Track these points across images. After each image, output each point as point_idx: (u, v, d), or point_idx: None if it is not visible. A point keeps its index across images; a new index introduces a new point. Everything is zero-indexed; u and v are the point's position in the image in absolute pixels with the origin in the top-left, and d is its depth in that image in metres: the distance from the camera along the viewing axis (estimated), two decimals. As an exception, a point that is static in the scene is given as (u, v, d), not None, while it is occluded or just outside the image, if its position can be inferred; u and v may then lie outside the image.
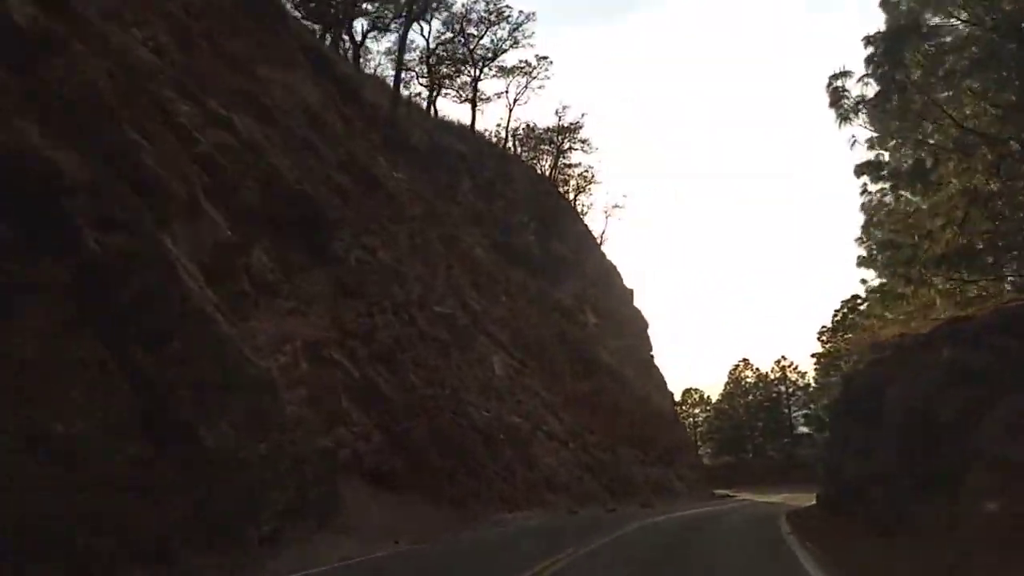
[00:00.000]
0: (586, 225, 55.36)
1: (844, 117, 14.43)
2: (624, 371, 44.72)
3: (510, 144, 49.00)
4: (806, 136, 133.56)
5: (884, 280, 24.61)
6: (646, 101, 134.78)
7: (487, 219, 37.50)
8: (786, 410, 76.03)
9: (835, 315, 59.19)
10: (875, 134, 18.50)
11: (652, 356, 55.74)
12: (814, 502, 30.99)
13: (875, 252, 22.29)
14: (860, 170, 19.12)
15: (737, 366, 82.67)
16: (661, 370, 56.22)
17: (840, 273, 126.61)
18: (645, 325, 56.64)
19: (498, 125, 48.91)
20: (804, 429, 74.93)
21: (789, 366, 75.42)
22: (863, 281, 25.97)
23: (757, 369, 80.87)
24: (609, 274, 53.64)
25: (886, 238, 17.92)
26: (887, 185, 19.12)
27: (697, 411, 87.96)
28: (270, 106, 21.14)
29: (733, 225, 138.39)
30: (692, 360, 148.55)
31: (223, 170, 18.58)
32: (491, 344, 29.24)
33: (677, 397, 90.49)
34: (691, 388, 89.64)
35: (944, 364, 12.30)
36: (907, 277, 15.41)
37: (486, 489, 23.30)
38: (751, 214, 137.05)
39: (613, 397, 40.10)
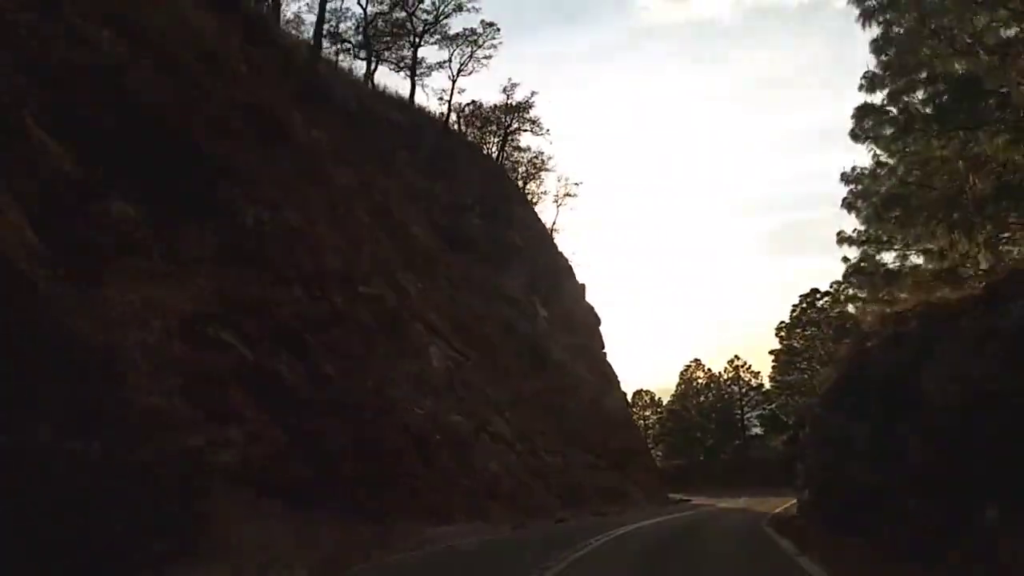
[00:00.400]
0: (536, 214, 52.01)
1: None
2: (576, 369, 41.38)
3: (453, 119, 45.42)
4: (763, 125, 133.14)
5: (871, 253, 21.85)
6: (601, 94, 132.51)
7: (427, 197, 33.69)
8: (739, 412, 73.97)
9: (793, 311, 57.19)
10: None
11: (605, 354, 52.66)
12: (788, 509, 28.41)
13: (869, 218, 19.31)
14: (861, 114, 16.04)
15: (689, 367, 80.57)
16: (614, 370, 53.17)
17: (794, 271, 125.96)
18: (597, 322, 53.56)
19: (440, 99, 45.02)
20: (757, 430, 72.98)
21: (743, 366, 73.45)
22: (845, 260, 22.98)
23: (709, 370, 78.90)
24: (560, 267, 50.30)
25: (895, 191, 14.78)
26: (889, 132, 15.99)
27: (648, 413, 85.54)
28: (147, 27, 17.00)
29: (686, 222, 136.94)
30: (643, 362, 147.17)
31: (74, 92, 14.51)
32: (428, 333, 25.44)
33: (628, 397, 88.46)
34: (642, 390, 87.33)
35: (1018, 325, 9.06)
36: (950, 223, 12.32)
37: (416, 501, 19.50)
38: (700, 211, 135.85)
39: (565, 396, 36.69)
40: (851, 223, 22.04)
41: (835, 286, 40.07)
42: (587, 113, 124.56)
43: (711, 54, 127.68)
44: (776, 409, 61.88)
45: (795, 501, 35.04)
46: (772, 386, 63.04)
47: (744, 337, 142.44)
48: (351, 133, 28.93)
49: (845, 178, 21.69)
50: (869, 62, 15.37)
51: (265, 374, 15.89)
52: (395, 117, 35.15)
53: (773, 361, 60.66)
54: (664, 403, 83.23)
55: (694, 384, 79.29)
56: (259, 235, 17.14)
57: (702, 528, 20.82)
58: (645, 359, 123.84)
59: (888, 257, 22.40)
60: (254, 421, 15.80)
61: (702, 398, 78.02)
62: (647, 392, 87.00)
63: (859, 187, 21.03)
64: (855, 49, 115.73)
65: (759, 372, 72.36)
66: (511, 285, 35.86)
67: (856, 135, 19.42)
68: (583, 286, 54.13)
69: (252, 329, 16.38)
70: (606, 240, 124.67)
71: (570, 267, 51.21)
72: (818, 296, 54.34)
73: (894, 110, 15.57)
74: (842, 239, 22.81)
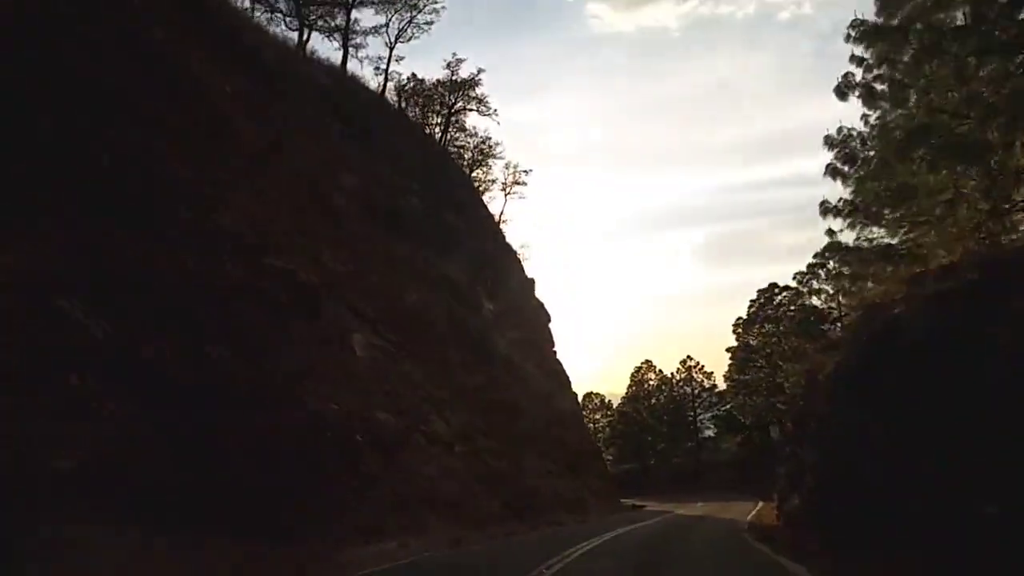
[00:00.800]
0: (483, 202, 48.83)
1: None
2: (525, 366, 38.29)
3: (393, 97, 41.92)
4: (707, 135, 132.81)
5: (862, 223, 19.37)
6: (553, 99, 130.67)
7: (361, 172, 30.16)
8: (691, 413, 72.03)
9: (751, 306, 55.24)
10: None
11: (555, 352, 49.77)
12: (761, 517, 25.88)
13: (863, 181, 16.75)
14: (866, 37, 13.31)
15: (640, 368, 78.34)
16: (565, 369, 50.32)
17: (741, 278, 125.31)
18: (548, 318, 50.64)
19: (376, 68, 41.45)
20: (710, 432, 71.16)
21: (695, 366, 71.46)
22: (830, 232, 20.46)
23: (660, 371, 76.77)
24: (508, 259, 47.20)
25: (923, 122, 12.03)
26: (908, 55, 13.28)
27: (599, 416, 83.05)
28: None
29: (633, 228, 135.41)
30: (594, 366, 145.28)
31: None
32: (352, 317, 21.99)
33: (578, 400, 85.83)
34: (592, 392, 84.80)
35: None
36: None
37: (336, 515, 16.11)
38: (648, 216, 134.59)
39: (513, 395, 33.55)
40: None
41: (799, 277, 37.91)
42: (539, 117, 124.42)
43: (659, 63, 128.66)
44: (733, 409, 59.79)
45: (761, 506, 32.93)
46: (728, 385, 60.98)
47: (694, 340, 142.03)
48: (272, 92, 25.27)
49: (829, 142, 19.34)
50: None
51: (123, 352, 12.33)
52: (324, 81, 31.56)
53: (730, 359, 58.70)
54: (615, 406, 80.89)
55: (645, 386, 77.14)
56: (124, 178, 13.50)
57: (677, 540, 17.86)
58: (596, 362, 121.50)
59: (877, 232, 20.23)
60: (112, 415, 12.24)
61: (653, 400, 75.87)
62: (597, 395, 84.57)
63: (846, 150, 18.75)
64: (800, 61, 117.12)
65: (712, 373, 70.64)
66: (454, 273, 32.57)
67: (846, 87, 16.96)
68: (532, 281, 51.25)
69: (119, 299, 12.80)
70: (556, 242, 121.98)
71: (519, 260, 48.22)
72: (776, 291, 52.52)
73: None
74: (827, 210, 20.40)
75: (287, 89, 26.28)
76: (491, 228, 45.90)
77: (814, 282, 36.58)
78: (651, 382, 77.28)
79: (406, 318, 26.15)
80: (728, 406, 63.34)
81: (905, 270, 16.00)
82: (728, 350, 58.30)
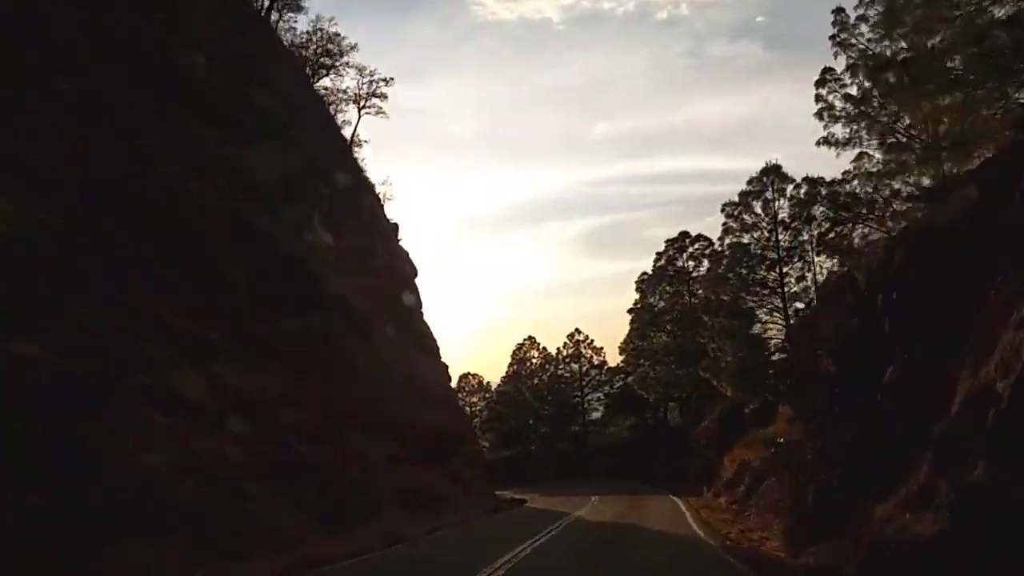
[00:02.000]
0: (322, 99, 38.25)
1: None
2: (374, 320, 28.78)
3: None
4: (586, 127, 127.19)
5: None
6: (436, 86, 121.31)
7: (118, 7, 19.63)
8: (578, 394, 64.62)
9: (658, 259, 47.64)
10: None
11: (422, 313, 40.48)
12: (715, 524, 17.88)
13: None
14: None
15: (522, 345, 70.25)
16: (434, 335, 41.13)
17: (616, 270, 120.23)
18: (413, 272, 41.26)
19: None
20: (598, 414, 64.02)
21: (584, 341, 64.02)
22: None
23: (544, 348, 68.93)
24: (360, 186, 37.25)
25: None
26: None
27: (476, 399, 74.55)
28: None
29: (512, 219, 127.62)
30: (476, 356, 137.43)
31: None
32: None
33: (453, 384, 76.65)
34: (470, 373, 76.16)
35: None
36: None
37: None
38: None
39: (348, 352, 24.04)
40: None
41: (729, 209, 30.58)
42: (422, 103, 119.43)
43: (541, 55, 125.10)
44: (632, 383, 52.21)
45: (688, 504, 24.84)
46: (626, 356, 53.00)
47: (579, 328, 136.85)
48: None
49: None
50: None
51: None
52: None
53: (631, 321, 50.84)
54: (495, 388, 72.64)
55: (528, 364, 69.22)
56: None
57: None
58: (479, 354, 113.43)
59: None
60: None
61: (536, 380, 68.06)
62: (475, 375, 76.09)
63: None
64: (675, 60, 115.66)
65: (602, 348, 63.43)
66: (259, 169, 22.45)
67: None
68: (395, 225, 41.69)
69: None
70: (438, 231, 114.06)
71: (376, 195, 38.60)
72: (688, 241, 45.36)
73: None
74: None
75: None
76: (340, 146, 35.82)
77: (746, 216, 29.23)
78: (534, 360, 69.45)
79: (158, 214, 16.07)
80: (622, 383, 56.26)
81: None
82: (629, 311, 50.45)
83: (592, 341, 63.71)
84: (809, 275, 30.77)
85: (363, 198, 35.00)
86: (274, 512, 15.00)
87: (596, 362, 62.97)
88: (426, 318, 40.76)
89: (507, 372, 69.03)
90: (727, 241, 32.34)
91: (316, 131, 32.09)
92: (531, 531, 16.86)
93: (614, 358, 60.33)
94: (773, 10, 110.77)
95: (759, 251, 30.92)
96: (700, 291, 40.76)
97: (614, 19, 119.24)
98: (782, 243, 30.42)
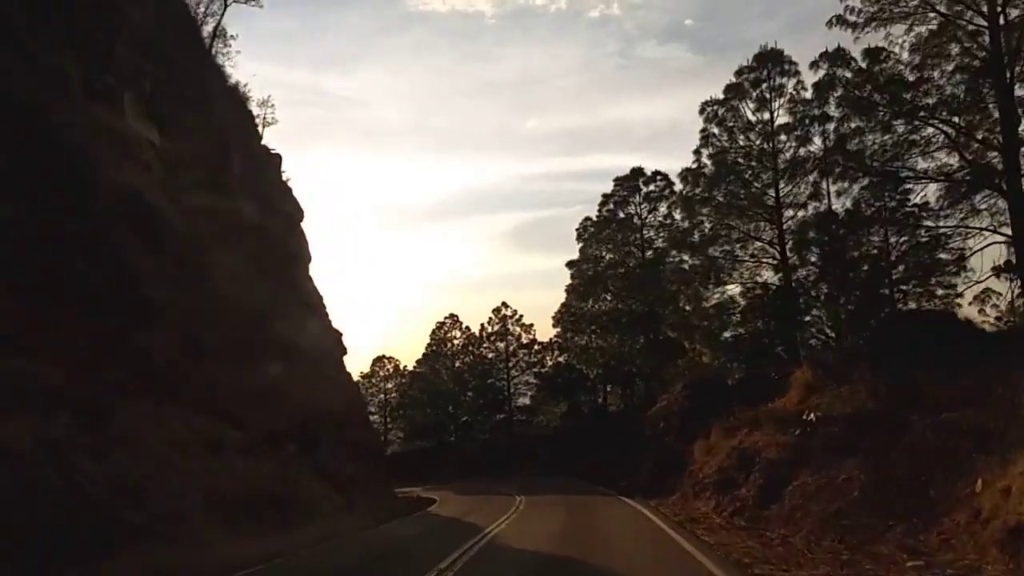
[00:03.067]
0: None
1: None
2: (211, 247, 20.47)
3: None
4: (515, 123, 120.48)
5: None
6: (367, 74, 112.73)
7: None
8: (504, 377, 56.94)
9: (604, 203, 39.72)
10: None
11: (308, 264, 32.24)
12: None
13: None
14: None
15: (443, 324, 62.08)
16: (322, 296, 32.89)
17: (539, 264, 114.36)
18: (299, 215, 32.97)
19: None
20: (526, 400, 56.47)
21: (512, 316, 56.36)
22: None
23: (467, 328, 60.92)
24: (219, 86, 28.53)
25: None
26: None
27: (391, 385, 66.07)
28: None
29: (439, 213, 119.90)
30: (401, 347, 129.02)
31: None
32: None
33: (366, 368, 67.98)
34: (385, 356, 67.54)
35: None
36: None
37: None
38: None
39: (141, 277, 15.62)
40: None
41: (710, 110, 23.26)
42: (351, 92, 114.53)
43: (473, 48, 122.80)
44: (571, 357, 44.28)
45: (656, 509, 16.76)
46: (564, 323, 44.62)
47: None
48: None
49: None
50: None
51: None
52: None
53: (570, 278, 42.57)
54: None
55: (449, 345, 61.20)
56: None
57: None
58: (405, 344, 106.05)
59: None
60: None
61: (458, 362, 60.11)
62: (391, 359, 67.49)
63: None
64: (606, 60, 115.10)
65: (532, 325, 55.83)
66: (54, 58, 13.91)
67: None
68: (278, 155, 33.17)
69: None
70: (365, 221, 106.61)
71: (243, 101, 30.13)
72: (643, 179, 37.76)
73: None
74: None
75: None
76: (186, 26, 26.88)
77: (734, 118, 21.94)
78: (456, 341, 61.45)
79: None
80: (555, 362, 48.78)
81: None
82: (569, 264, 42.14)
83: (521, 317, 56.11)
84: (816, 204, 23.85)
85: (218, 99, 26.28)
86: None
87: (525, 340, 55.40)
88: (312, 274, 32.52)
89: (425, 351, 60.86)
90: (705, 154, 25.02)
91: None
92: (426, 534, 9.04)
93: (547, 337, 53.17)
94: (701, 14, 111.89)
95: (750, 164, 23.71)
96: (659, 239, 33.74)
97: (546, 15, 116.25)
98: (782, 151, 23.29)
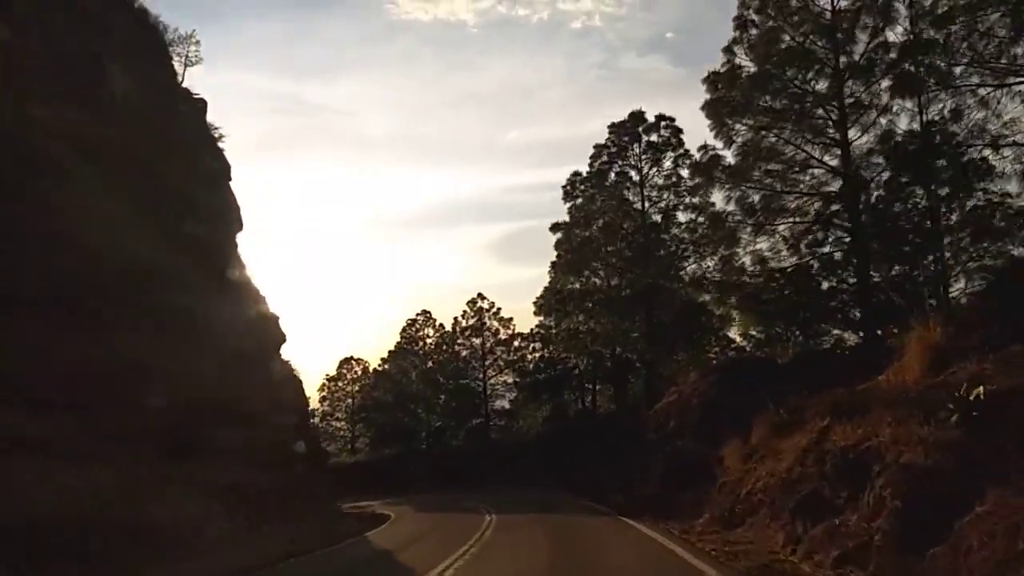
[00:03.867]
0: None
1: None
2: (85, 193, 14.89)
3: None
4: (499, 133, 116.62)
5: None
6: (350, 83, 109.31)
7: None
8: (480, 378, 51.20)
9: (596, 155, 33.28)
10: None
11: (237, 232, 26.71)
12: None
13: None
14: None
15: (414, 321, 56.29)
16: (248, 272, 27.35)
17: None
18: (226, 172, 27.45)
19: None
20: (505, 403, 50.72)
21: (489, 309, 50.71)
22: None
23: (441, 326, 55.19)
24: (138, 43, 22.94)
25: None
26: None
27: (357, 388, 60.18)
28: None
29: (423, 222, 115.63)
30: (376, 347, 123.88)
31: None
32: None
33: (332, 371, 62.13)
34: (353, 357, 61.64)
35: None
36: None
37: None
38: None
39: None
40: None
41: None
42: (336, 101, 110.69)
43: (457, 57, 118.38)
44: (557, 341, 37.75)
45: (688, 541, 11.21)
46: (547, 306, 38.00)
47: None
48: None
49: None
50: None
51: None
52: None
53: (555, 247, 36.10)
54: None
55: (422, 344, 55.44)
56: None
57: None
58: (379, 350, 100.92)
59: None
60: None
61: (430, 362, 54.35)
62: (359, 360, 61.67)
63: None
64: (588, 71, 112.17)
65: (511, 319, 50.24)
66: None
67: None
68: (202, 101, 27.57)
69: None
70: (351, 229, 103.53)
71: (203, 112, 24.97)
72: (644, 127, 31.39)
73: None
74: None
75: None
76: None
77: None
78: (428, 340, 55.74)
79: None
80: (539, 355, 42.94)
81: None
82: (554, 228, 35.59)
83: (499, 310, 50.52)
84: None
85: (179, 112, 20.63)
86: None
87: (504, 336, 49.75)
88: (241, 243, 26.89)
89: (391, 350, 55.11)
90: (740, 51, 19.15)
91: None
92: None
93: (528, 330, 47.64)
94: (682, 27, 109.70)
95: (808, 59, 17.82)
96: (662, 199, 27.81)
97: (529, 26, 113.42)
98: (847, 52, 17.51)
